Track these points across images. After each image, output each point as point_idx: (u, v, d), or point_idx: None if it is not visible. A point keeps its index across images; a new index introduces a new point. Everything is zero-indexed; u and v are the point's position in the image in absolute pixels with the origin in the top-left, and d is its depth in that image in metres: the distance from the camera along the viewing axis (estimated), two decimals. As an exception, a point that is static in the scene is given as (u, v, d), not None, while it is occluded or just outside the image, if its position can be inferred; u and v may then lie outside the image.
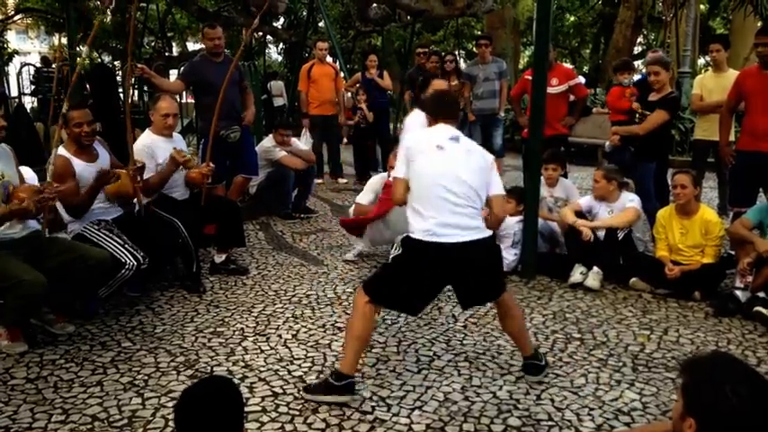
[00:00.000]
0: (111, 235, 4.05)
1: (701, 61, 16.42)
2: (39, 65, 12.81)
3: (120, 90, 8.01)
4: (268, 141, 6.86)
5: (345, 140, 9.35)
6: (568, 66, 11.75)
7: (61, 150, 4.00)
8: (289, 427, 2.86)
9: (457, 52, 14.35)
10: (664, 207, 4.97)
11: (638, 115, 5.46)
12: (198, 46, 20.58)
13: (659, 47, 13.69)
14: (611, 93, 6.88)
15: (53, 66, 8.97)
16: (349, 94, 9.16)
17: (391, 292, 3.08)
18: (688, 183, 4.52)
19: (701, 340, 3.86)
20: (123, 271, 3.91)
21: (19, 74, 11.99)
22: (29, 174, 4.20)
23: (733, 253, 4.62)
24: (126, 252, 3.96)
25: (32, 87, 12.29)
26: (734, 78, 5.34)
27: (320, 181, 8.45)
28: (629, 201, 4.88)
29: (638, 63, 15.13)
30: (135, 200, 4.37)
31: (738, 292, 4.27)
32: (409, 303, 3.16)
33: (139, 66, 5.43)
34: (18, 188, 3.57)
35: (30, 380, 3.28)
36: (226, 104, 5.19)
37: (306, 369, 3.40)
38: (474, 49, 8.69)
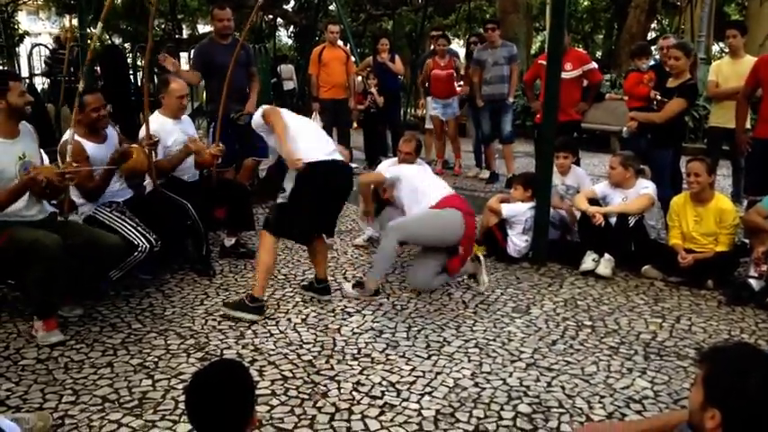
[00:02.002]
0: (123, 217, 4.04)
1: (714, 48, 16.22)
2: (52, 45, 12.72)
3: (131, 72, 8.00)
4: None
5: (356, 125, 9.29)
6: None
7: (70, 134, 3.93)
8: (298, 410, 2.86)
9: (468, 36, 14.25)
10: (677, 194, 4.92)
11: (655, 102, 5.38)
12: (208, 28, 20.56)
13: (674, 32, 13.54)
14: (629, 78, 6.79)
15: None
16: (360, 78, 9.11)
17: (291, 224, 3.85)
18: (702, 171, 4.47)
19: (713, 329, 3.83)
20: (136, 253, 3.90)
21: (30, 55, 11.92)
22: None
23: (747, 241, 4.59)
24: (139, 234, 3.95)
25: (44, 68, 12.22)
26: (750, 65, 5.26)
27: (330, 165, 8.40)
28: (644, 188, 4.81)
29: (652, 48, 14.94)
30: (148, 177, 4.36)
31: (752, 281, 4.23)
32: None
33: (166, 54, 5.42)
34: (37, 168, 3.52)
35: (40, 360, 3.29)
36: (234, 87, 5.15)
37: (315, 353, 3.40)
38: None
